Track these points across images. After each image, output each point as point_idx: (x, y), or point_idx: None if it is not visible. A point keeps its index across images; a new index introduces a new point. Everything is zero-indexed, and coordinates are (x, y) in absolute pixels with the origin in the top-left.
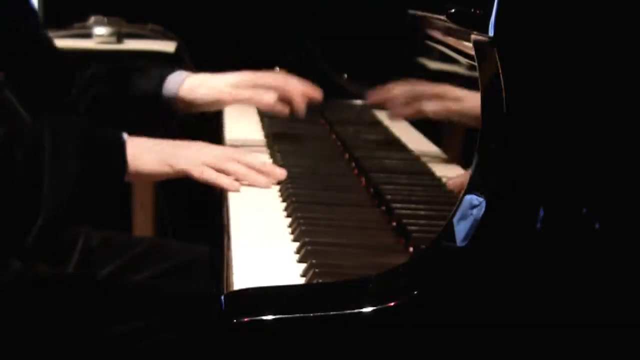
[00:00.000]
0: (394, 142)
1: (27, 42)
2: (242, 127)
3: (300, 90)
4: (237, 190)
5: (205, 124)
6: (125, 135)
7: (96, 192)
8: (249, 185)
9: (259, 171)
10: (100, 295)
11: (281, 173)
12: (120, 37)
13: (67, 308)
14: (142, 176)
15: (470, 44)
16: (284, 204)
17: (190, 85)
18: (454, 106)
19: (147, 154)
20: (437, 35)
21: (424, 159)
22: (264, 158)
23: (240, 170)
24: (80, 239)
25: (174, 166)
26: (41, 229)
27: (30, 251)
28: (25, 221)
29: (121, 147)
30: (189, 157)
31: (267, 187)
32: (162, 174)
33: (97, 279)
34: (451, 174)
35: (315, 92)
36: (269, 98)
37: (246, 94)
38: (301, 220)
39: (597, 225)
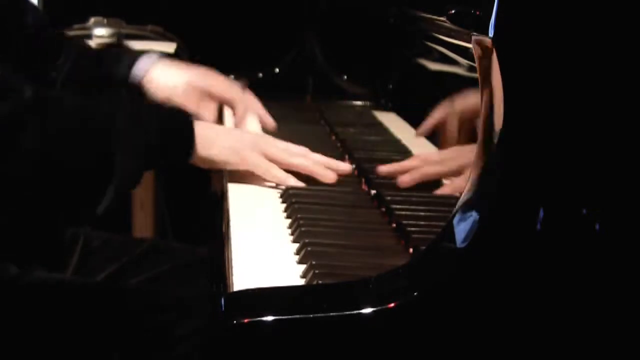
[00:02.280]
0: (394, 143)
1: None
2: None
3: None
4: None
5: None
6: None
7: (162, 169)
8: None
9: (326, 166)
10: (99, 298)
11: (346, 167)
12: (120, 38)
13: (65, 312)
14: (210, 162)
15: (470, 45)
16: (284, 205)
17: (156, 80)
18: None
19: (217, 141)
20: (437, 35)
21: None
22: None
23: (308, 165)
24: (80, 240)
25: (245, 159)
26: (114, 194)
27: (28, 249)
28: (98, 186)
29: (190, 128)
30: (257, 152)
31: (332, 181)
32: (230, 163)
33: (95, 283)
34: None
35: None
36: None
37: (212, 106)
38: (301, 221)
39: (597, 226)
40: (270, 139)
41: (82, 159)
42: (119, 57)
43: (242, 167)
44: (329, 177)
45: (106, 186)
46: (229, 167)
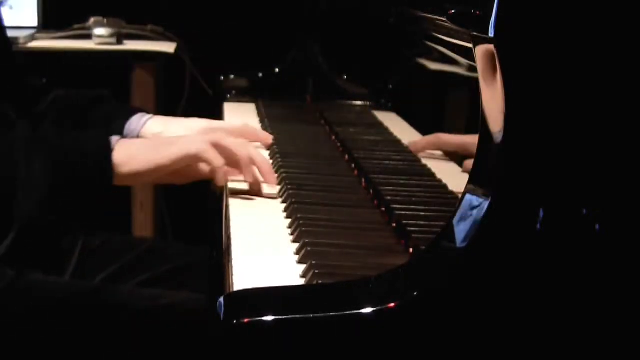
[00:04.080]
0: (394, 143)
1: None
2: None
3: (259, 136)
4: (224, 179)
5: None
6: (114, 139)
7: (81, 198)
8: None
9: (259, 165)
10: (98, 301)
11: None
12: (120, 38)
13: (63, 316)
14: (140, 176)
15: (470, 45)
16: (284, 205)
17: (152, 130)
18: None
19: (140, 153)
20: (437, 35)
21: (424, 160)
22: None
23: (241, 151)
24: (80, 241)
25: (170, 155)
26: (18, 235)
27: (27, 250)
28: None
29: (106, 151)
30: (184, 142)
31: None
32: (160, 167)
33: (94, 285)
34: (451, 174)
35: (267, 138)
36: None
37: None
38: (301, 221)
39: (597, 227)
40: (204, 145)
41: None
42: (109, 114)
43: (174, 179)
44: (249, 176)
45: (8, 226)
46: (159, 180)
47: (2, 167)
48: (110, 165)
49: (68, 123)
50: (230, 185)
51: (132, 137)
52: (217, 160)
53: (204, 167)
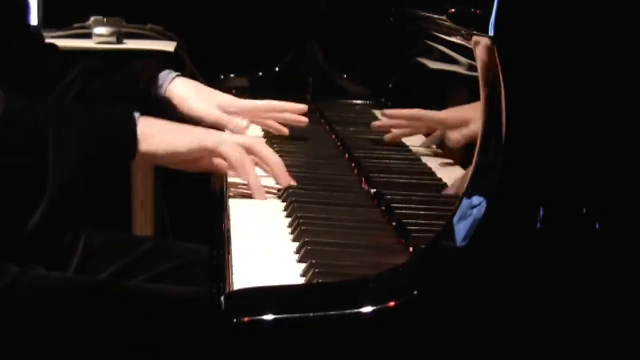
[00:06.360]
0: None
1: (15, 31)
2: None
3: (288, 106)
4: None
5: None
6: (137, 115)
7: (105, 173)
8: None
9: (272, 169)
10: (100, 297)
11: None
12: (120, 37)
13: (65, 312)
14: (155, 157)
15: (470, 44)
16: (284, 204)
17: (178, 90)
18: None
19: (160, 134)
20: (438, 34)
21: (424, 159)
22: None
23: (252, 185)
24: (82, 240)
25: (188, 144)
26: (45, 213)
27: (29, 249)
28: (28, 204)
29: (132, 126)
30: (203, 133)
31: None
32: (176, 152)
33: (95, 282)
34: (451, 174)
35: (299, 107)
36: (241, 125)
37: (225, 118)
38: (301, 220)
39: (597, 226)
40: (223, 139)
41: (12, 167)
42: (136, 72)
43: (190, 167)
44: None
45: (39, 196)
46: (172, 165)
47: (33, 138)
48: (135, 138)
49: (96, 86)
50: (230, 179)
51: (160, 93)
52: (234, 155)
53: (218, 162)
